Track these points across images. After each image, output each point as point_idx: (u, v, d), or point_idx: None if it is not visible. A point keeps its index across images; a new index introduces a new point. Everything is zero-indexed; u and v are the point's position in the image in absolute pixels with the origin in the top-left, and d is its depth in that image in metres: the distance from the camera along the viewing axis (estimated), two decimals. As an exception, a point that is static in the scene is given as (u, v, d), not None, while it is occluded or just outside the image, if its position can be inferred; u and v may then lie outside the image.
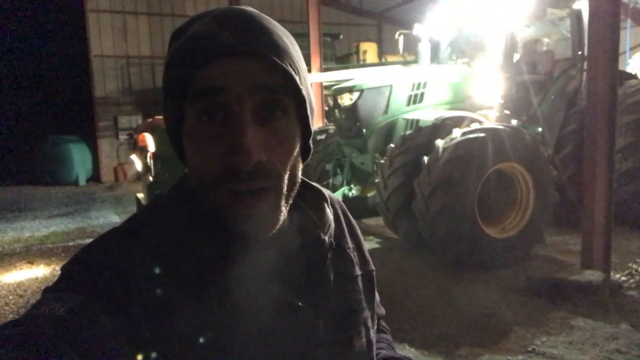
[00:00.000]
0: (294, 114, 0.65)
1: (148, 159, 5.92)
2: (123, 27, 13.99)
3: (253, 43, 0.60)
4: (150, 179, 5.90)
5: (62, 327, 0.50)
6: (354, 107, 5.51)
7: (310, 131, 0.69)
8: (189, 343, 0.58)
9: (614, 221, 4.16)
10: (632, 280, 4.12)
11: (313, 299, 0.69)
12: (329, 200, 0.80)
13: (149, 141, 5.84)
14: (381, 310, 0.95)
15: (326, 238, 0.73)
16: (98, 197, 10.81)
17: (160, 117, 6.89)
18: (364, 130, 5.56)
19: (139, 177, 8.05)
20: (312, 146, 0.72)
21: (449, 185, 4.35)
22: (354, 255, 0.80)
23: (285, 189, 0.64)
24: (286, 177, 0.64)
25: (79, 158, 13.22)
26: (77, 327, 0.51)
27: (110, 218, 8.26)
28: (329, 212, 0.77)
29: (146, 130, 6.13)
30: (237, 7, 0.65)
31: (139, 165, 6.72)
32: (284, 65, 0.61)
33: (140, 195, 6.76)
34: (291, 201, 0.67)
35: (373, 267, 0.86)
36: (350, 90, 5.53)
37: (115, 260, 0.60)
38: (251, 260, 0.65)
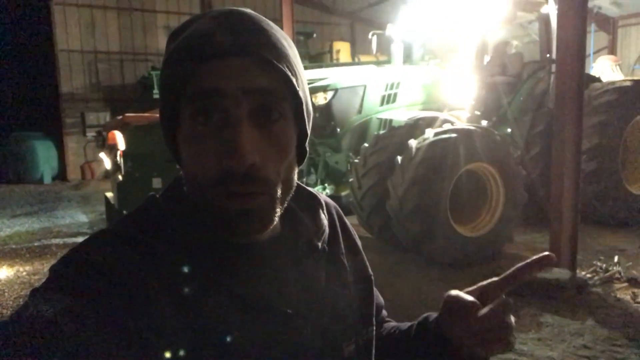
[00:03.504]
0: (291, 117, 0.65)
1: (118, 158, 5.79)
2: (91, 21, 13.67)
3: (251, 44, 0.60)
4: (120, 178, 5.77)
5: (51, 329, 0.49)
6: (328, 106, 5.51)
7: (307, 134, 0.69)
8: (177, 346, 0.57)
9: (580, 220, 4.29)
10: (597, 278, 4.26)
11: (303, 305, 0.68)
12: (324, 205, 0.80)
13: (119, 139, 5.71)
14: (383, 313, 0.97)
15: (319, 244, 0.73)
16: (64, 196, 10.52)
17: (131, 114, 6.77)
18: (338, 130, 5.58)
19: (108, 175, 7.86)
20: (308, 149, 0.71)
21: (422, 184, 4.40)
22: (347, 262, 0.80)
23: (279, 192, 0.63)
24: (280, 180, 0.63)
25: (44, 155, 12.85)
26: (67, 329, 0.50)
27: (78, 217, 8.04)
28: (323, 217, 0.77)
29: (116, 128, 6.00)
30: (235, 8, 0.64)
31: (108, 164, 6.56)
32: (281, 67, 0.60)
33: (109, 195, 6.60)
34: (285, 205, 0.66)
35: (371, 273, 0.86)
36: (324, 89, 5.54)
37: (104, 261, 0.59)
38: (242, 265, 0.64)
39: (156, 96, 12.58)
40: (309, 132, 0.69)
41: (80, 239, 6.35)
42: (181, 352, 0.57)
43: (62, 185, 12.51)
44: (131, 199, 5.54)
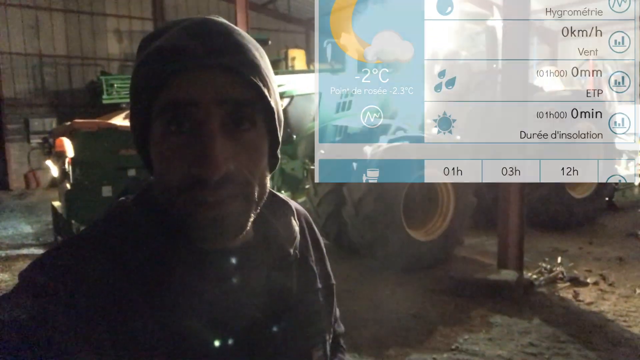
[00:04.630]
0: (262, 126, 0.66)
1: (66, 165, 5.56)
2: (35, 23, 13.10)
3: (223, 57, 0.60)
4: (68, 186, 5.54)
5: (24, 334, 0.49)
6: (284, 113, 5.49)
7: (278, 142, 0.70)
8: (147, 351, 0.57)
9: (526, 224, 4.49)
10: (542, 278, 4.47)
11: (274, 310, 0.69)
12: (295, 212, 0.81)
13: (68, 146, 5.49)
14: (340, 329, 0.95)
15: (291, 250, 0.74)
16: (6, 206, 9.99)
17: (81, 120, 6.52)
18: (294, 137, 5.59)
19: (55, 184, 7.54)
20: (280, 156, 0.72)
21: (377, 191, 4.48)
22: (316, 268, 0.81)
23: (255, 196, 0.64)
24: (255, 185, 0.64)
25: (-16, 163, 12.18)
26: (39, 334, 0.50)
27: (21, 228, 7.66)
28: (295, 224, 0.78)
29: (64, 134, 5.76)
30: (207, 17, 0.64)
31: (55, 172, 6.29)
32: (253, 79, 0.61)
33: (57, 204, 6.33)
34: (258, 211, 0.67)
35: (334, 281, 0.87)
36: (280, 96, 5.53)
37: (75, 266, 0.58)
38: (214, 270, 0.65)
39: (105, 102, 12.19)
40: (280, 140, 0.70)
41: (24, 251, 6.00)
42: (149, 354, 0.57)
43: (4, 194, 11.88)
44: (80, 208, 5.34)
